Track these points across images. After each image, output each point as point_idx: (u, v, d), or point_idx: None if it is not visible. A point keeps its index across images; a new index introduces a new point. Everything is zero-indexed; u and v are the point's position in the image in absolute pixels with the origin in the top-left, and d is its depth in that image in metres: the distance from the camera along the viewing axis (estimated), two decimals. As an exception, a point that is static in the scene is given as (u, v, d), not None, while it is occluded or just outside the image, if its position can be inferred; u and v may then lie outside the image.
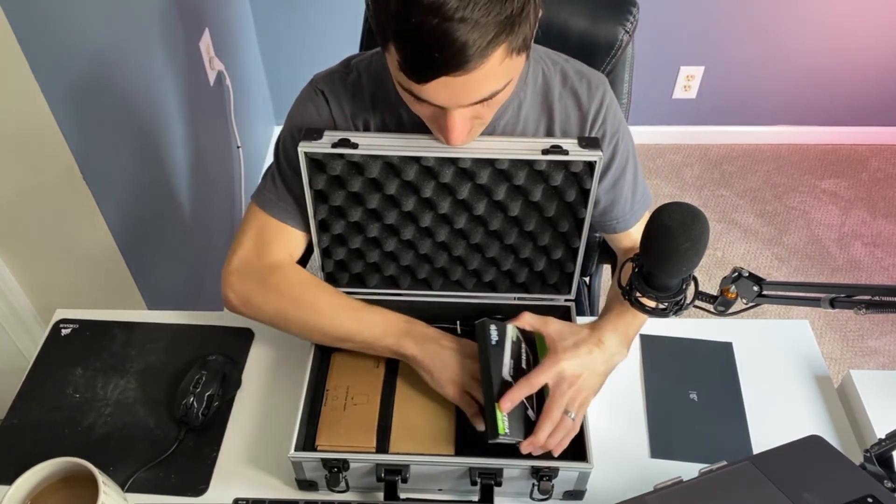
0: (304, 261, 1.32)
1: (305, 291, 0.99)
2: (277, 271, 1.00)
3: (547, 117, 1.00)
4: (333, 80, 1.00)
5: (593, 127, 1.00)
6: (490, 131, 0.98)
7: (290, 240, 1.03)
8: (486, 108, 0.85)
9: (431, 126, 0.90)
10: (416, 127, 0.96)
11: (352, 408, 0.95)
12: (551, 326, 0.93)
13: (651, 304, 0.84)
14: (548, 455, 0.91)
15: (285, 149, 1.01)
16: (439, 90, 0.78)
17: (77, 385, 1.04)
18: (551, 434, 0.88)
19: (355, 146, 0.91)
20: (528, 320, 0.95)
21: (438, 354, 0.94)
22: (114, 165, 1.37)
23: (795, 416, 1.02)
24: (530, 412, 0.93)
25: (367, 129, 1.00)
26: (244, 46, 2.28)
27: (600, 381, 0.93)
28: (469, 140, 0.92)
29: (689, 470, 0.83)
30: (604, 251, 1.46)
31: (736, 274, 0.81)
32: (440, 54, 0.74)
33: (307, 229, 1.03)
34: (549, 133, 1.01)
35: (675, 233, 0.74)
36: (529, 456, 0.91)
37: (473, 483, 0.88)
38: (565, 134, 1.00)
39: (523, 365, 0.97)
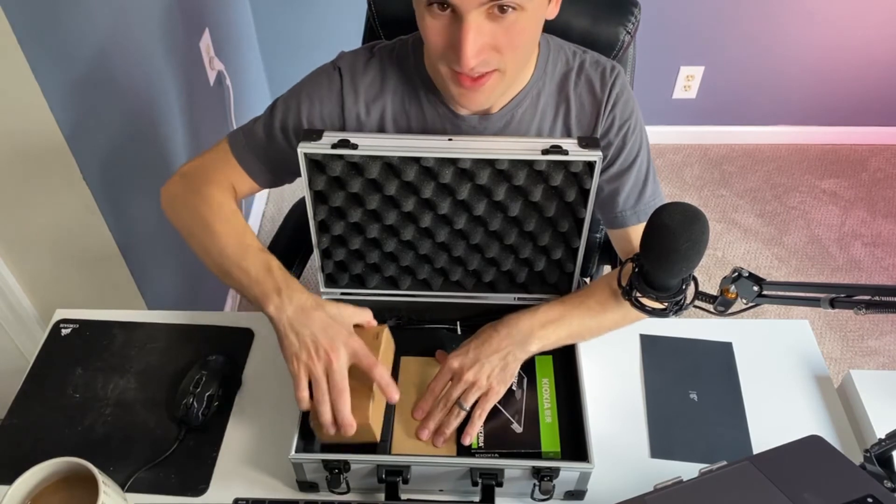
0: (303, 260, 1.34)
1: (220, 220, 0.98)
2: (206, 190, 1.01)
3: (564, 106, 1.01)
4: (356, 60, 1.01)
5: (605, 113, 1.00)
6: (508, 119, 0.99)
7: (237, 178, 1.05)
8: (503, 35, 0.83)
9: (445, 60, 0.88)
10: (435, 107, 0.99)
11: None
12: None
13: (651, 304, 0.84)
14: (549, 455, 0.92)
15: (284, 112, 1.02)
16: None
17: (77, 385, 1.04)
18: (446, 422, 0.93)
19: (355, 147, 0.91)
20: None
21: (296, 325, 0.87)
22: (114, 165, 1.37)
23: (795, 416, 1.02)
24: (515, 426, 0.94)
25: (383, 110, 1.01)
26: (244, 46, 2.28)
27: (498, 372, 0.94)
28: (482, 98, 0.91)
29: (689, 470, 0.83)
30: (604, 251, 1.46)
31: (736, 274, 0.81)
32: None
33: (259, 181, 1.07)
34: (566, 121, 1.01)
35: (675, 233, 0.74)
36: (531, 456, 0.92)
37: (474, 484, 0.88)
38: (580, 122, 1.01)
39: (513, 387, 0.98)
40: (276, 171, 1.06)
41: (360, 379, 0.88)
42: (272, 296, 0.89)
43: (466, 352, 0.95)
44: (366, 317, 0.95)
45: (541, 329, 0.96)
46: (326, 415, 0.86)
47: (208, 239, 0.97)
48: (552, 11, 0.89)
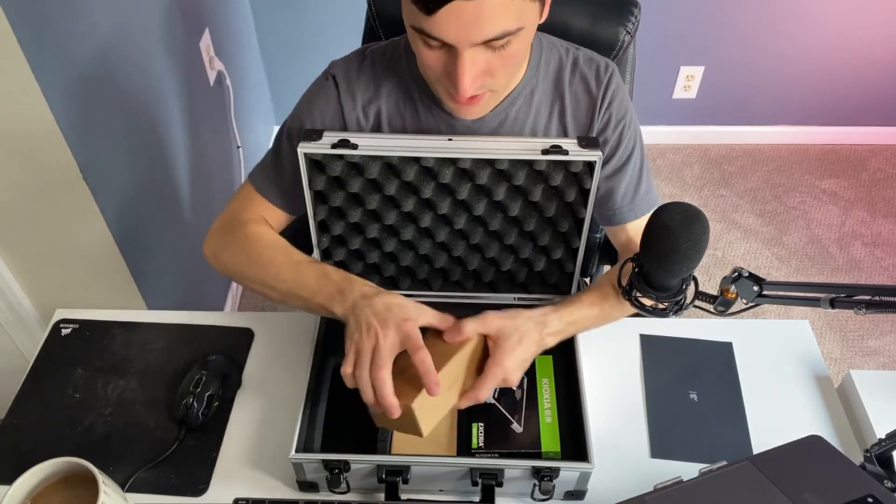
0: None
1: (264, 249, 0.99)
2: (242, 230, 1.02)
3: (559, 103, 1.01)
4: (348, 65, 1.01)
5: (601, 111, 1.00)
6: (503, 118, 0.99)
7: (265, 211, 1.06)
8: (498, 61, 0.84)
9: (443, 82, 0.89)
10: (429, 108, 0.98)
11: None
12: (491, 324, 0.89)
13: (651, 303, 0.84)
14: (549, 455, 0.92)
15: (289, 134, 1.03)
16: (451, 21, 0.78)
17: (77, 385, 1.04)
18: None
19: (355, 147, 0.91)
20: (465, 330, 0.87)
21: (356, 310, 0.86)
22: (114, 165, 1.37)
23: (795, 416, 1.02)
24: (515, 426, 0.94)
25: (379, 113, 1.01)
26: (244, 46, 2.28)
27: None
28: (477, 111, 0.92)
29: (689, 470, 0.83)
30: (604, 251, 1.46)
31: (736, 274, 0.81)
32: None
33: (287, 209, 1.06)
34: (561, 119, 1.01)
35: (675, 233, 0.74)
36: (530, 457, 0.92)
37: (474, 484, 0.88)
38: (576, 119, 1.01)
39: (513, 387, 0.98)
40: (296, 195, 1.03)
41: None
42: (335, 296, 0.89)
43: (522, 361, 0.89)
44: (442, 322, 0.88)
45: (570, 325, 0.95)
46: (366, 392, 0.82)
47: (261, 272, 0.97)
48: (543, 18, 0.89)
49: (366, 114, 1.01)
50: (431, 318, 0.88)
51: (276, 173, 1.05)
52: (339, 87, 1.00)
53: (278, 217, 1.07)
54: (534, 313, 0.92)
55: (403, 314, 0.84)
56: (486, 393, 0.86)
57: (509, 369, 0.87)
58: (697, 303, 0.85)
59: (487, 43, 0.81)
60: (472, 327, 0.87)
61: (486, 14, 0.77)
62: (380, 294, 0.87)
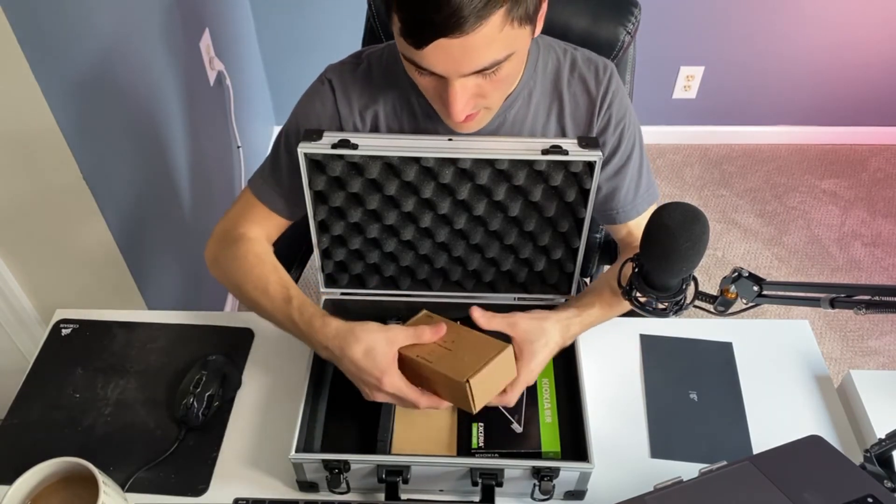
0: (303, 260, 1.35)
1: (261, 270, 1.00)
2: (241, 247, 1.03)
3: (557, 104, 1.01)
4: (343, 70, 1.01)
5: (600, 112, 1.00)
6: (501, 121, 0.99)
7: (267, 221, 1.07)
8: (489, 85, 0.84)
9: (436, 104, 0.90)
10: (426, 113, 0.98)
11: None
12: (519, 326, 0.91)
13: (644, 301, 0.84)
14: (549, 455, 0.92)
15: (287, 139, 1.03)
16: (438, 56, 0.79)
17: (77, 385, 1.04)
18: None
19: (355, 147, 0.91)
20: (494, 323, 0.91)
21: (342, 368, 0.91)
22: (114, 165, 1.37)
23: (795, 416, 1.02)
24: (515, 426, 0.94)
25: (376, 118, 1.01)
26: (244, 46, 2.28)
27: None
28: (474, 126, 0.92)
29: (689, 470, 0.83)
30: (604, 251, 1.46)
31: (736, 274, 0.81)
32: (437, 15, 0.74)
33: (286, 215, 1.07)
34: (560, 120, 1.01)
35: (675, 233, 0.74)
36: (530, 457, 0.92)
37: (474, 483, 0.88)
38: (575, 120, 1.01)
39: None
40: (295, 200, 1.04)
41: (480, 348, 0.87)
42: (322, 351, 0.93)
43: (544, 363, 0.93)
44: (419, 338, 0.90)
45: (586, 326, 0.99)
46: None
47: (257, 297, 0.99)
48: (537, 33, 0.88)
49: (363, 118, 1.01)
50: (403, 342, 0.89)
51: (275, 179, 1.05)
52: (335, 91, 1.00)
53: (276, 223, 1.07)
54: (560, 316, 0.95)
55: (377, 372, 0.86)
56: (516, 397, 0.90)
57: (535, 371, 0.91)
58: (697, 303, 0.84)
59: (478, 71, 0.82)
60: (499, 323, 0.91)
61: (474, 48, 0.78)
62: (343, 349, 0.88)
